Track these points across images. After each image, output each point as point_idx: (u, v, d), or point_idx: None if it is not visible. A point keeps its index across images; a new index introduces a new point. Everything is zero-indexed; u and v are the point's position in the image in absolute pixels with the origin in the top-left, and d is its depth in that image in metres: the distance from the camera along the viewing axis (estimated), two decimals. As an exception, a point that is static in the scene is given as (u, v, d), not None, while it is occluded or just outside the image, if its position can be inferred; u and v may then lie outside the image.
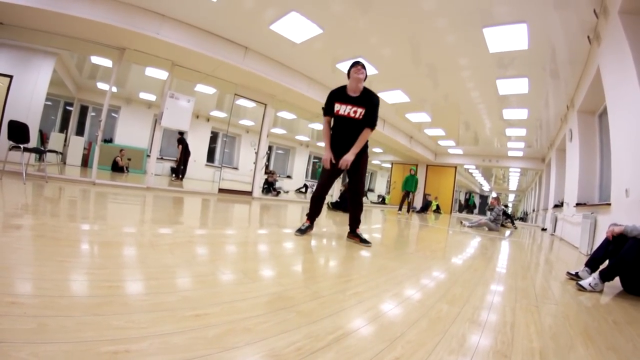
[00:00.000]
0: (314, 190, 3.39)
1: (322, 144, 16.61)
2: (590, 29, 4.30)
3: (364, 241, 3.16)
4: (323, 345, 1.02)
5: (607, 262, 2.41)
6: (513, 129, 10.04)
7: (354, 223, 3.25)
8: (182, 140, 10.58)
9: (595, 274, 2.28)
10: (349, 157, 3.02)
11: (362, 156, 3.15)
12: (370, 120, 3.03)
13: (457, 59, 5.87)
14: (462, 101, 8.10)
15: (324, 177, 3.24)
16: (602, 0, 3.75)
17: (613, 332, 1.53)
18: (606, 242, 2.49)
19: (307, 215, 3.35)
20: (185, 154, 10.64)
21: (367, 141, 3.17)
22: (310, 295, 1.50)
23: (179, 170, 10.80)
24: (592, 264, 2.55)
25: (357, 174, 3.17)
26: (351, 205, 3.30)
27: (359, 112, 3.01)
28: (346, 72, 3.11)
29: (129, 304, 1.13)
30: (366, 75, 3.07)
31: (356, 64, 3.04)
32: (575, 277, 2.55)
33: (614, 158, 3.90)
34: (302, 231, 3.23)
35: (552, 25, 4.44)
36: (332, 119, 3.18)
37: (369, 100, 3.03)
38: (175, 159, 12.08)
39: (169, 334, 0.95)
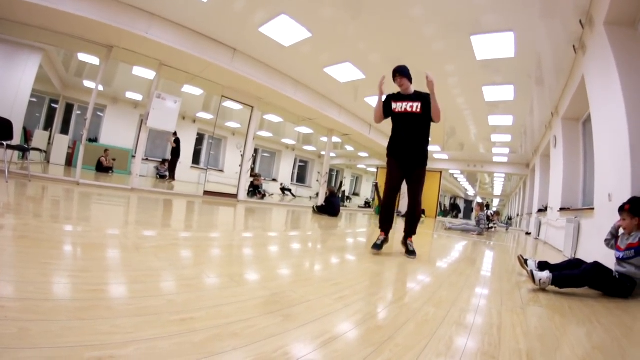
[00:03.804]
0: (382, 197, 3.26)
1: (307, 147, 16.46)
2: (576, 38, 4.41)
3: (410, 252, 3.09)
4: (311, 350, 1.02)
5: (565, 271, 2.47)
6: (498, 135, 10.22)
7: (409, 232, 3.20)
8: (177, 141, 10.07)
9: (548, 274, 2.32)
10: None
11: (424, 168, 3.14)
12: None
13: (444, 65, 5.96)
14: (449, 107, 8.21)
15: (392, 182, 3.13)
16: (588, 11, 3.85)
17: (599, 332, 1.56)
18: (574, 260, 2.71)
19: (380, 227, 3.17)
20: (175, 154, 10.17)
21: (427, 154, 3.18)
22: (296, 299, 1.49)
23: (171, 171, 10.24)
24: (546, 264, 2.72)
25: (419, 184, 3.12)
26: (409, 214, 3.24)
27: (416, 106, 3.12)
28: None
29: (113, 308, 1.11)
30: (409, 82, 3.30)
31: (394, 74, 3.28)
32: (525, 263, 2.73)
33: (597, 164, 3.99)
34: (378, 246, 3.01)
35: (539, 35, 4.55)
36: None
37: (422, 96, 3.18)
38: (160, 160, 11.82)
39: (155, 339, 0.93)
